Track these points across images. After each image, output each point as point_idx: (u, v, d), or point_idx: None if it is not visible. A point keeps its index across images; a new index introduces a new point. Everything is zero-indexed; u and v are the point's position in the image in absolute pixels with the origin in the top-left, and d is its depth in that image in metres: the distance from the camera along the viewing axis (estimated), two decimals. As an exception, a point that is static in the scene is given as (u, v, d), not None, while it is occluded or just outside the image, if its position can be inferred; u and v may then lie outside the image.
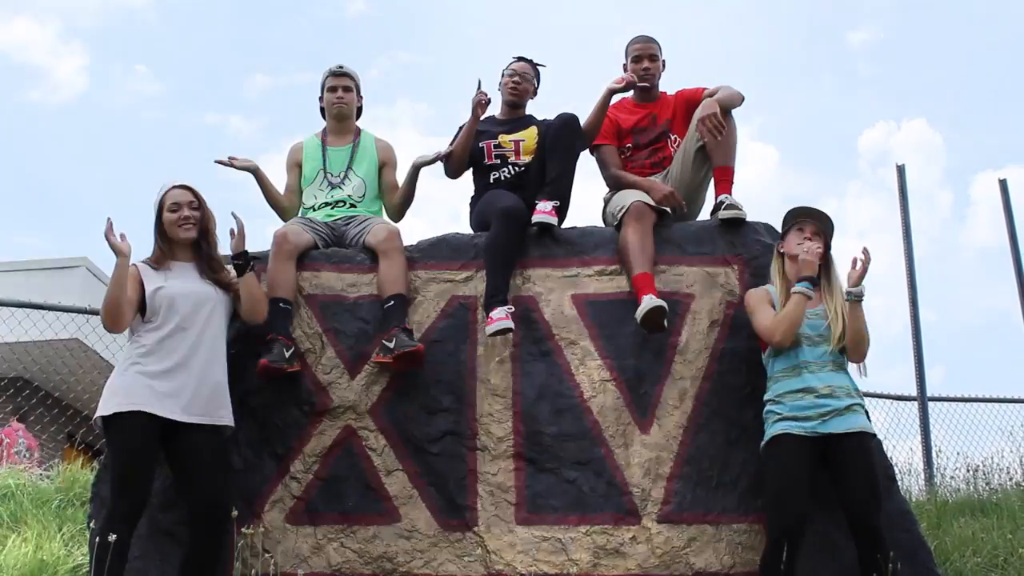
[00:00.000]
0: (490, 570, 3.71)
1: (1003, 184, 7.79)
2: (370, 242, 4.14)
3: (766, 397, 3.70)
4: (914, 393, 7.10)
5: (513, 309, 3.92)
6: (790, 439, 3.55)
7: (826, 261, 3.82)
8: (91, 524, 3.71)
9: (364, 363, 3.97)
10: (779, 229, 3.97)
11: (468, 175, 4.62)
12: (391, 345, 3.82)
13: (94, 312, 6.52)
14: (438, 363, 3.96)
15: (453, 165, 4.51)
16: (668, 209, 4.20)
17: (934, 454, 6.77)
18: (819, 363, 3.63)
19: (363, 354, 3.98)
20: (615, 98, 4.51)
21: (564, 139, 4.27)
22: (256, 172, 4.56)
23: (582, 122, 4.36)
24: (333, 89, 4.58)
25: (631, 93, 4.63)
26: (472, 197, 4.58)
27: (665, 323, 3.85)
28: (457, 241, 4.22)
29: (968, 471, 6.15)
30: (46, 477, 5.35)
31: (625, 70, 4.61)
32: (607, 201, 4.51)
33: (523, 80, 4.61)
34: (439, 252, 4.19)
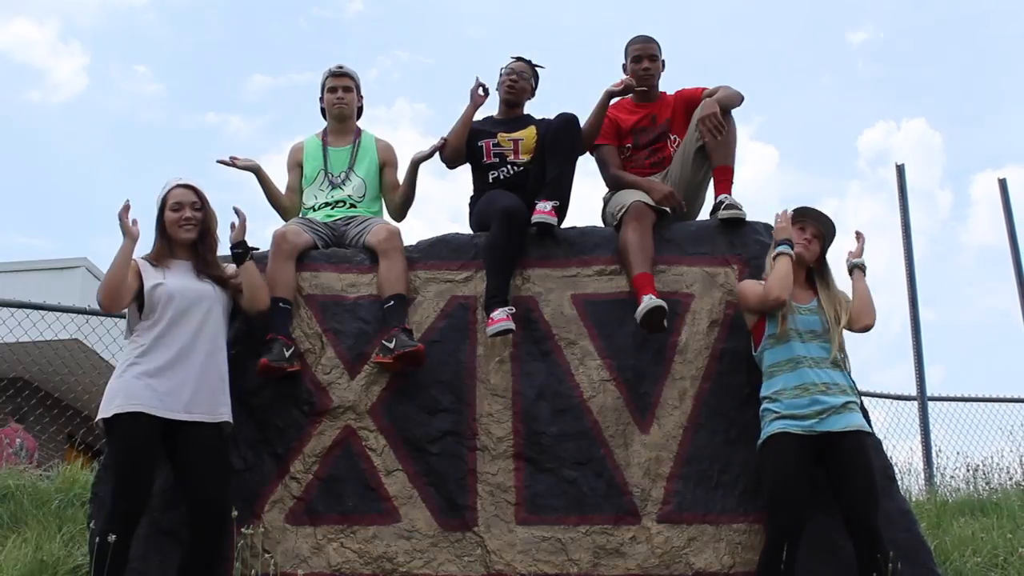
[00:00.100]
0: (490, 570, 3.71)
1: (1003, 184, 7.80)
2: (370, 242, 4.14)
3: (762, 394, 3.71)
4: (914, 393, 7.11)
5: (514, 310, 3.92)
6: (787, 438, 3.55)
7: (822, 264, 3.86)
8: (91, 524, 3.71)
9: (364, 363, 3.97)
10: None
11: (468, 175, 4.63)
12: (391, 345, 3.82)
13: (94, 312, 6.53)
14: (438, 363, 3.96)
15: (450, 153, 4.50)
16: (668, 209, 4.20)
17: (934, 454, 6.78)
18: (815, 359, 3.65)
19: (363, 354, 3.98)
20: (613, 100, 4.51)
21: (564, 139, 4.27)
22: (258, 172, 4.56)
23: (581, 124, 4.37)
24: (333, 89, 4.58)
25: (630, 94, 4.63)
26: (471, 197, 4.58)
27: (665, 323, 3.85)
28: (457, 241, 4.22)
29: (968, 471, 6.16)
30: (46, 477, 5.34)
31: (625, 70, 4.61)
32: (607, 201, 4.51)
33: (520, 79, 4.61)
34: (439, 252, 4.20)
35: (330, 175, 4.48)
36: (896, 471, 4.32)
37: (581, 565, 3.71)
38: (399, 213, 4.58)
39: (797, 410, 3.57)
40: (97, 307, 6.54)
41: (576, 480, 3.83)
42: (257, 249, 3.97)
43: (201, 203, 3.76)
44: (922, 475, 6.57)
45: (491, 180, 4.45)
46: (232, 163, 4.51)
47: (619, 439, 3.88)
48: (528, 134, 4.46)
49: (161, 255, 3.73)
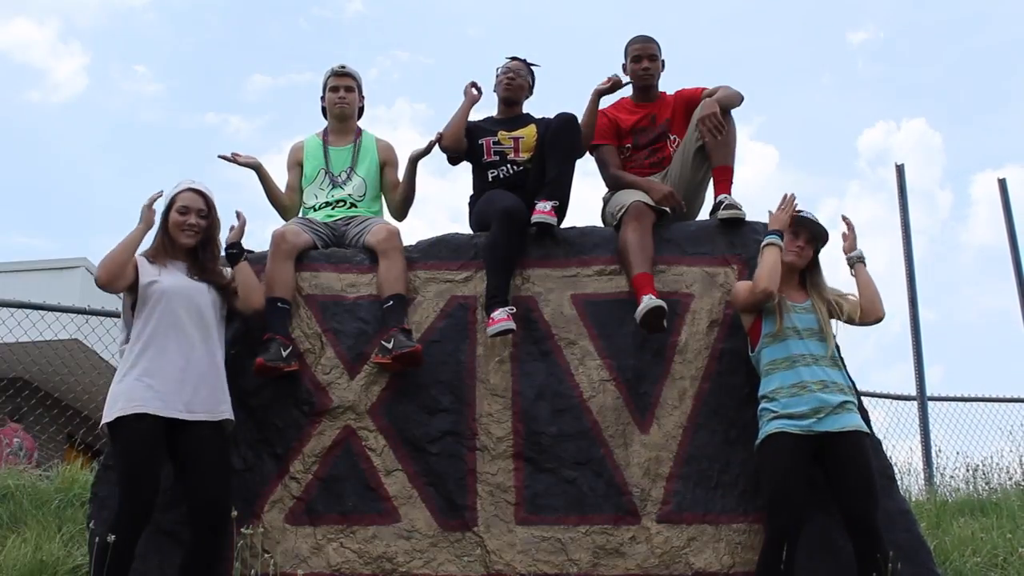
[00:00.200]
0: (490, 570, 3.71)
1: (1002, 184, 7.81)
2: (370, 242, 4.14)
3: (760, 394, 3.71)
4: (914, 393, 7.12)
5: (514, 309, 3.92)
6: (785, 438, 3.55)
7: (813, 266, 3.88)
8: (91, 524, 3.71)
9: (364, 363, 3.97)
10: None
11: (468, 175, 4.63)
12: (389, 346, 3.82)
13: (94, 312, 6.53)
14: (437, 363, 3.96)
15: (448, 143, 4.49)
16: (667, 209, 4.20)
17: (934, 454, 6.79)
18: (812, 356, 3.65)
19: (363, 354, 3.98)
20: (611, 98, 4.51)
21: (563, 139, 4.27)
22: (259, 169, 4.56)
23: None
24: (335, 89, 4.58)
25: (629, 93, 4.63)
26: (471, 196, 4.58)
27: (664, 323, 3.85)
28: (456, 241, 4.22)
29: (968, 471, 6.17)
30: (45, 478, 5.34)
31: (625, 70, 4.61)
32: (606, 201, 4.51)
33: (517, 76, 4.63)
34: (439, 252, 4.20)
35: (331, 174, 4.48)
36: (896, 471, 4.32)
37: (581, 565, 3.71)
38: (400, 212, 4.58)
39: (794, 409, 3.57)
40: (97, 307, 6.62)
41: (576, 480, 3.83)
42: (252, 252, 3.97)
43: (208, 210, 3.77)
44: (922, 475, 6.57)
45: (491, 180, 4.45)
46: (234, 159, 4.51)
47: (619, 439, 3.88)
48: (528, 132, 4.47)
49: (159, 254, 3.73)
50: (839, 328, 3.85)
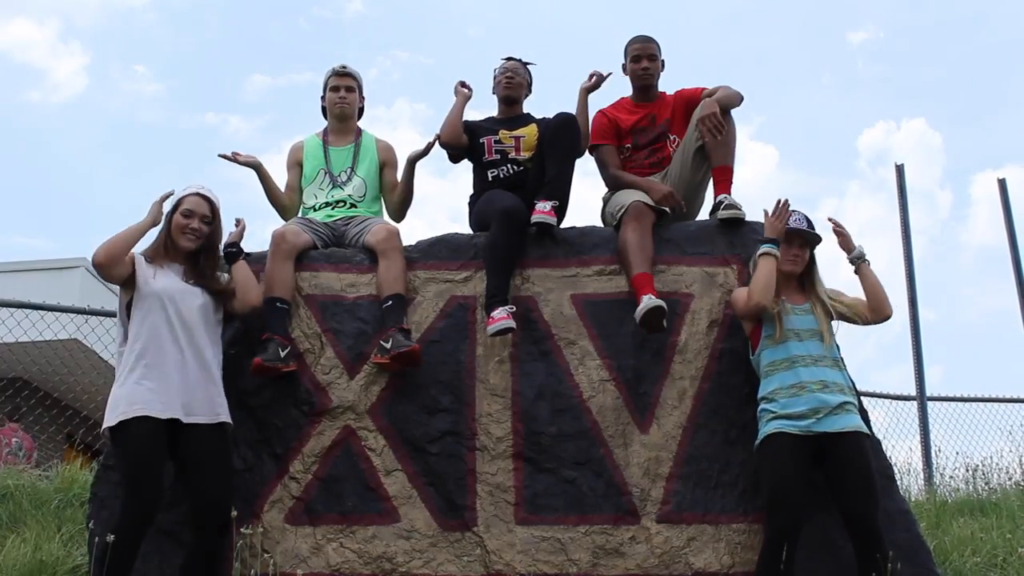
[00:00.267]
0: (489, 570, 3.71)
1: (1002, 184, 7.81)
2: (369, 242, 4.14)
3: (759, 395, 3.71)
4: (913, 393, 7.12)
5: (514, 308, 3.92)
6: (784, 438, 3.55)
7: (810, 268, 3.88)
8: (90, 524, 3.71)
9: (363, 363, 3.97)
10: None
11: (468, 175, 4.63)
12: (388, 345, 3.82)
13: (93, 312, 6.52)
14: (437, 363, 3.96)
15: (447, 138, 4.51)
16: (667, 209, 4.20)
17: (933, 454, 6.79)
18: (812, 357, 3.65)
19: (362, 354, 3.98)
20: (611, 98, 4.52)
21: (562, 139, 4.27)
22: (259, 168, 4.56)
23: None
24: (336, 89, 4.58)
25: (630, 92, 4.64)
26: (471, 196, 4.58)
27: (664, 323, 3.85)
28: (456, 241, 4.22)
29: (967, 471, 6.18)
30: (45, 477, 5.34)
31: (624, 70, 4.62)
32: (606, 201, 4.51)
33: (516, 75, 4.66)
34: (438, 252, 4.19)
35: (331, 174, 4.48)
36: (895, 471, 4.32)
37: (580, 565, 3.71)
38: (398, 213, 4.58)
39: (793, 409, 3.57)
40: (97, 307, 6.61)
41: (575, 480, 3.83)
42: (250, 255, 3.97)
43: (212, 217, 3.77)
44: (921, 475, 6.57)
45: (491, 179, 4.45)
46: (234, 158, 4.51)
47: (618, 439, 3.88)
48: (530, 131, 4.47)
49: (157, 254, 3.73)
50: (838, 328, 3.86)
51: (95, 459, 6.81)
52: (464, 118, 4.60)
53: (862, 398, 3.91)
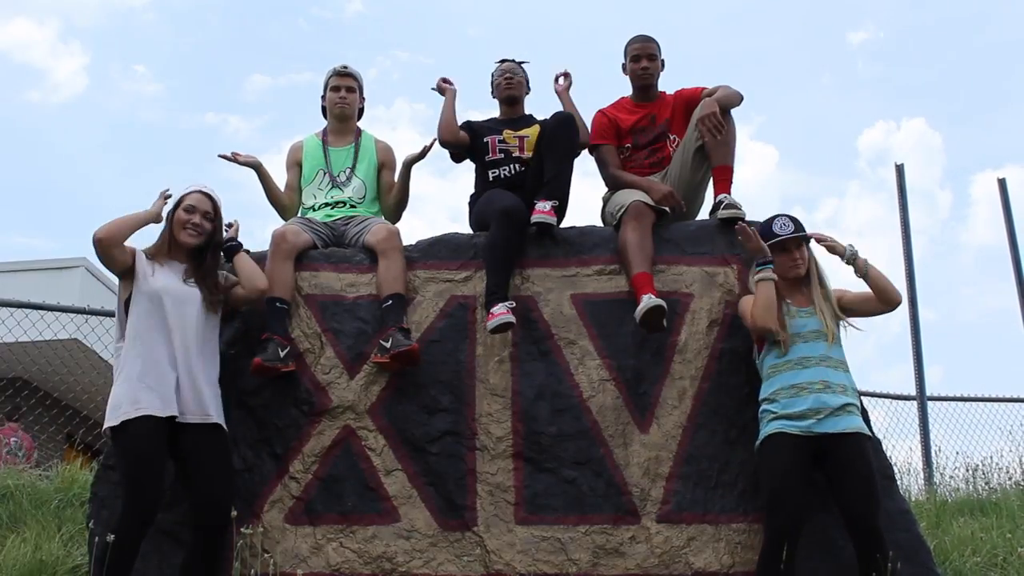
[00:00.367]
0: (489, 570, 3.71)
1: (1002, 184, 7.81)
2: (369, 242, 4.14)
3: (761, 396, 3.71)
4: (913, 393, 7.12)
5: (514, 304, 3.92)
6: (784, 438, 3.55)
7: (813, 268, 3.87)
8: (90, 524, 3.71)
9: (363, 363, 3.97)
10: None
11: (467, 175, 4.63)
12: (387, 345, 3.82)
13: (93, 312, 6.52)
14: (437, 363, 3.96)
15: (445, 136, 4.53)
16: (667, 209, 4.20)
17: (933, 454, 6.79)
18: (816, 358, 3.64)
19: (362, 354, 3.98)
20: (611, 98, 4.51)
21: (560, 138, 4.27)
22: (258, 168, 4.56)
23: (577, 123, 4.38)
24: (336, 89, 4.58)
25: (630, 92, 4.64)
26: (472, 195, 4.58)
27: (664, 323, 3.85)
28: (456, 241, 4.22)
29: (967, 471, 6.17)
30: (45, 477, 5.34)
31: (624, 70, 4.63)
32: (606, 201, 4.51)
33: (514, 75, 4.69)
34: (438, 252, 4.19)
35: (330, 175, 4.47)
36: (896, 471, 4.32)
37: (580, 565, 3.71)
38: (393, 215, 4.57)
39: (794, 409, 3.57)
40: (97, 307, 6.61)
41: (575, 480, 3.83)
42: (249, 253, 3.97)
43: (214, 214, 3.77)
44: (921, 475, 6.57)
45: (491, 179, 4.45)
46: (234, 158, 4.51)
47: (618, 439, 3.88)
48: (533, 132, 4.48)
49: (159, 252, 3.73)
50: (846, 332, 3.81)
51: (95, 459, 6.81)
52: (467, 118, 4.61)
53: (862, 398, 3.91)
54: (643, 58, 4.55)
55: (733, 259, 4.11)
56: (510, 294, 4.01)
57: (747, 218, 4.17)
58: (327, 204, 4.41)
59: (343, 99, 4.56)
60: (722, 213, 4.17)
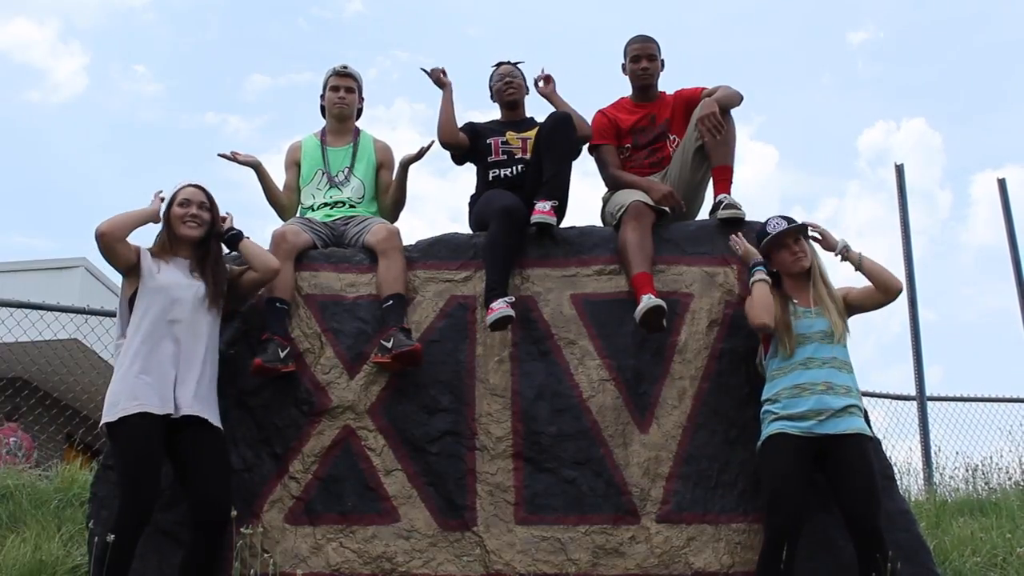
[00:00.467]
0: (489, 570, 3.71)
1: (1002, 184, 7.80)
2: (369, 242, 4.14)
3: (763, 396, 3.71)
4: (913, 393, 7.11)
5: (513, 299, 3.91)
6: (786, 439, 3.55)
7: (816, 266, 3.86)
8: (90, 524, 3.71)
9: (363, 363, 3.97)
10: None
11: (467, 175, 4.63)
12: (389, 345, 3.82)
13: (93, 312, 6.52)
14: (437, 363, 3.96)
15: (447, 140, 4.51)
16: (667, 209, 4.20)
17: (933, 454, 6.78)
18: (820, 360, 3.64)
19: (362, 354, 3.98)
20: (611, 98, 4.51)
21: (557, 139, 4.27)
22: (258, 168, 4.56)
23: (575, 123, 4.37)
24: (335, 89, 4.58)
25: (630, 92, 4.64)
26: (472, 196, 4.58)
27: (664, 323, 3.85)
28: (456, 241, 4.22)
29: (967, 471, 6.17)
30: (45, 477, 5.34)
31: (624, 70, 4.63)
32: (606, 201, 4.51)
33: (514, 78, 4.69)
34: (438, 252, 4.19)
35: (328, 175, 4.47)
36: (895, 471, 4.32)
37: (580, 565, 3.71)
38: (391, 215, 4.57)
39: (795, 410, 3.57)
40: (96, 307, 6.61)
41: (575, 480, 3.83)
42: (248, 238, 3.95)
43: (209, 204, 3.77)
44: (921, 475, 6.57)
45: (491, 179, 4.46)
46: (233, 157, 4.51)
47: (618, 439, 3.88)
48: (536, 134, 4.47)
49: (162, 250, 3.73)
50: (849, 334, 3.79)
51: (95, 459, 6.81)
52: (468, 119, 4.61)
53: (862, 398, 3.90)
54: (643, 58, 4.55)
55: (733, 259, 4.11)
56: (510, 293, 4.01)
57: (747, 218, 4.18)
58: (326, 204, 4.41)
59: (342, 99, 4.56)
60: (722, 213, 4.17)
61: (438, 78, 4.61)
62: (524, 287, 4.10)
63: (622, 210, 4.12)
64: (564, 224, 4.29)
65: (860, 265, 3.83)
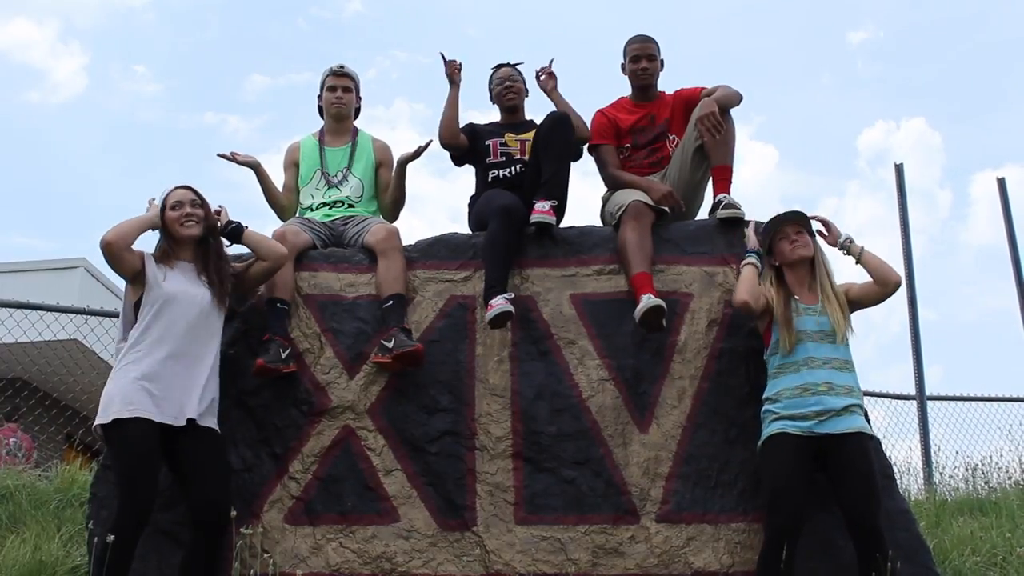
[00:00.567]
0: (489, 570, 3.71)
1: (1001, 183, 7.80)
2: (369, 242, 4.14)
3: (764, 395, 3.70)
4: (913, 392, 7.11)
5: (513, 296, 3.91)
6: (786, 439, 3.54)
7: (820, 264, 3.86)
8: (90, 525, 3.71)
9: (363, 363, 3.97)
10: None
11: (467, 175, 4.63)
12: (390, 345, 3.82)
13: (93, 313, 6.52)
14: (437, 363, 3.96)
15: (448, 140, 4.51)
16: (667, 208, 4.20)
17: (933, 453, 6.78)
18: (821, 360, 3.64)
19: (362, 354, 3.98)
20: (610, 98, 4.51)
21: (555, 138, 4.27)
22: (257, 168, 4.56)
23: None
24: (333, 89, 4.58)
25: (629, 92, 4.64)
26: (471, 196, 4.58)
27: (664, 322, 3.85)
28: (455, 241, 4.22)
29: (967, 470, 6.17)
30: (45, 478, 5.33)
31: (623, 70, 4.63)
32: (605, 200, 4.51)
33: (514, 82, 4.68)
34: (438, 252, 4.19)
35: (327, 175, 4.48)
36: (895, 470, 4.32)
37: (580, 565, 3.71)
38: (390, 214, 4.57)
39: (796, 410, 3.56)
40: (96, 308, 6.61)
41: (575, 480, 3.83)
42: (248, 227, 3.93)
43: (201, 201, 3.77)
44: (921, 474, 6.57)
45: (491, 180, 4.46)
46: (233, 158, 4.51)
47: (618, 439, 3.88)
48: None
49: (165, 256, 3.72)
50: (852, 334, 3.78)
51: (94, 459, 6.82)
52: (468, 120, 4.61)
53: (863, 398, 3.90)
54: (642, 58, 4.54)
55: (732, 259, 4.11)
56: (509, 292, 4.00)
57: (747, 217, 4.18)
58: (325, 204, 4.41)
59: (339, 99, 4.56)
60: (721, 213, 4.17)
61: (452, 72, 4.58)
62: (524, 287, 4.10)
63: (621, 210, 4.12)
64: (563, 224, 4.29)
65: (860, 258, 3.84)
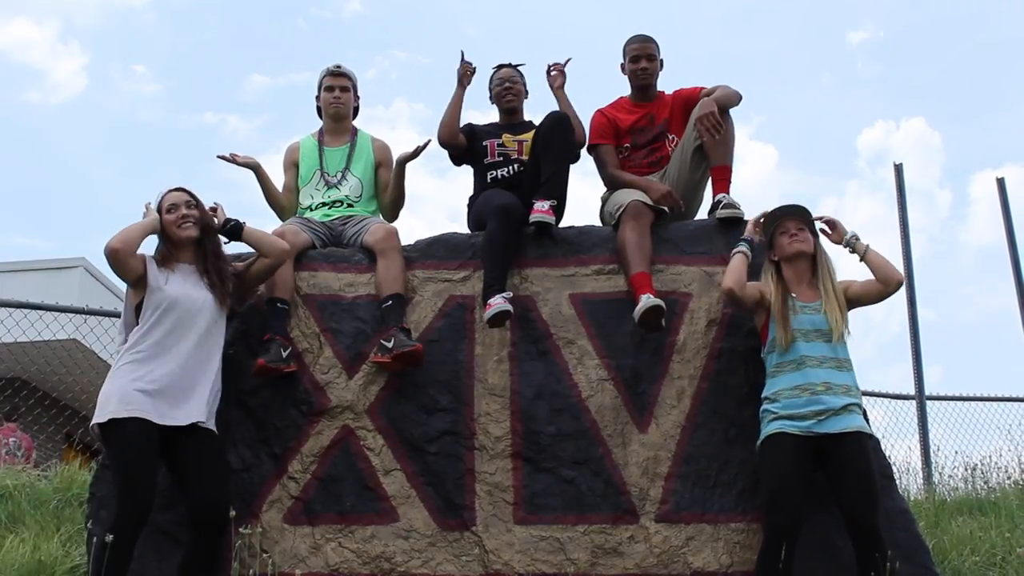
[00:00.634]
0: (488, 570, 3.71)
1: (1001, 183, 7.79)
2: (368, 242, 4.14)
3: (763, 395, 3.70)
4: (912, 392, 7.10)
5: (511, 295, 3.91)
6: (785, 438, 3.54)
7: (820, 261, 3.85)
8: (89, 524, 3.71)
9: (362, 363, 3.97)
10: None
11: (466, 175, 4.64)
12: (389, 345, 3.82)
13: (92, 312, 6.52)
14: (436, 363, 3.96)
15: (447, 139, 4.51)
16: (666, 208, 4.20)
17: (932, 453, 6.77)
18: (819, 359, 3.64)
19: (361, 354, 3.98)
20: (609, 98, 4.51)
21: (555, 138, 4.27)
22: (257, 169, 4.56)
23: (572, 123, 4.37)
24: (330, 89, 4.58)
25: (629, 92, 4.64)
26: (470, 196, 4.58)
27: (663, 322, 3.85)
28: (455, 241, 4.22)
29: (966, 470, 6.16)
30: (44, 477, 5.33)
31: (623, 70, 4.63)
32: (604, 200, 4.51)
33: (514, 84, 4.68)
34: (437, 252, 4.19)
35: (326, 175, 4.48)
36: (894, 470, 4.31)
37: (579, 565, 3.71)
38: (390, 214, 4.57)
39: (795, 410, 3.56)
40: (96, 308, 6.61)
41: (574, 480, 3.83)
42: (246, 223, 3.92)
43: (195, 202, 3.77)
44: (920, 474, 6.56)
45: (489, 180, 4.46)
46: (232, 159, 4.52)
47: (617, 438, 3.88)
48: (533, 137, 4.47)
49: (165, 258, 3.72)
50: (849, 334, 3.77)
51: (94, 459, 6.81)
52: (468, 121, 4.61)
53: (861, 397, 3.90)
54: (642, 58, 4.54)
55: (732, 259, 4.10)
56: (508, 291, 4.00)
57: (746, 217, 4.17)
58: (324, 204, 4.41)
59: (337, 99, 4.56)
60: (721, 213, 4.17)
61: (464, 72, 4.57)
62: (523, 287, 4.10)
63: (621, 210, 4.12)
64: (563, 224, 4.29)
65: (864, 255, 3.83)
